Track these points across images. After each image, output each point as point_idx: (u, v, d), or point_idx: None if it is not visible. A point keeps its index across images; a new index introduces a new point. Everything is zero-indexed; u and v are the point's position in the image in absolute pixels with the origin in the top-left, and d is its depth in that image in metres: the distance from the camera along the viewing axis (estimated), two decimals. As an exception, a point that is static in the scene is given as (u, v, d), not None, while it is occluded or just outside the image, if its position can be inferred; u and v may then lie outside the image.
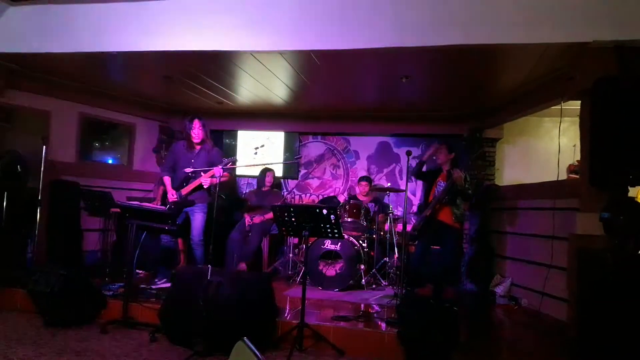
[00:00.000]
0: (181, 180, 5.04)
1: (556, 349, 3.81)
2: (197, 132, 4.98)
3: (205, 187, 4.95)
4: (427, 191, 5.32)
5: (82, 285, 4.30)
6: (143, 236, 5.73)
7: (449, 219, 5.05)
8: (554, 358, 3.69)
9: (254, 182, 7.36)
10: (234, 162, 4.90)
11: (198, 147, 5.06)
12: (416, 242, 5.53)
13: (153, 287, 5.03)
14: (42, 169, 5.47)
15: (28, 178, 5.55)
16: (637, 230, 3.43)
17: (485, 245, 6.31)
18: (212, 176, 4.86)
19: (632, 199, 3.81)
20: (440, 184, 5.12)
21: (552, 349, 3.84)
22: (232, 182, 7.90)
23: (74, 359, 3.35)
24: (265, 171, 6.69)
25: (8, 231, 5.32)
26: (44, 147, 5.50)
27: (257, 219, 6.23)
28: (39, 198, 5.49)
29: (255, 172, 7.13)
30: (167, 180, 5.11)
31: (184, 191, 4.97)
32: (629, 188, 3.77)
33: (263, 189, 6.67)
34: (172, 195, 4.98)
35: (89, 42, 4.73)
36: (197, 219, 5.01)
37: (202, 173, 4.92)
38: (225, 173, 4.89)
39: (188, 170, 4.95)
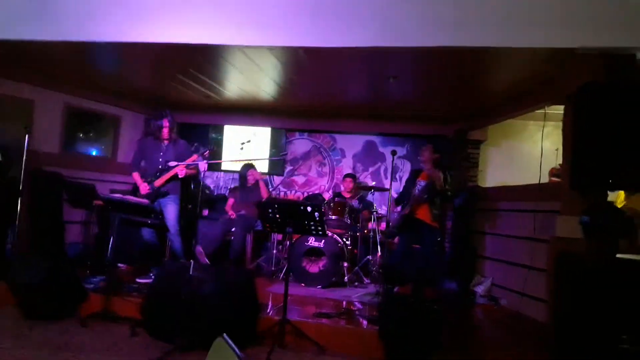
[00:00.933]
0: (153, 173, 5.06)
1: (534, 349, 3.87)
2: (166, 130, 5.07)
3: (180, 176, 4.98)
4: (407, 189, 5.36)
5: (62, 277, 4.25)
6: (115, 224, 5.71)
7: (427, 217, 5.08)
8: (531, 358, 3.74)
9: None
10: (211, 151, 4.95)
11: (166, 141, 5.13)
12: (396, 238, 5.57)
13: (146, 280, 4.99)
14: (24, 158, 5.39)
15: (9, 168, 5.48)
16: (615, 234, 3.50)
17: (467, 245, 6.37)
18: (187, 167, 4.96)
19: (612, 203, 3.89)
20: (420, 183, 5.13)
21: (530, 349, 3.90)
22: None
23: (54, 352, 3.33)
24: (248, 168, 6.57)
25: (-13, 221, 5.25)
26: (27, 136, 5.42)
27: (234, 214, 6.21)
28: (21, 188, 5.42)
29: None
30: (136, 175, 5.15)
31: (157, 183, 4.99)
32: (609, 192, 3.84)
33: (247, 185, 6.62)
34: (144, 188, 4.99)
35: (75, 31, 4.65)
36: (170, 210, 5.03)
37: (176, 164, 4.95)
38: (192, 168, 5.05)
39: (172, 164, 4.94)
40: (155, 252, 5.31)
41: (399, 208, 5.47)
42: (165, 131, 5.06)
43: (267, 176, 8.01)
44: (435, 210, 5.10)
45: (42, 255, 4.63)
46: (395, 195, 5.74)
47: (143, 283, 4.89)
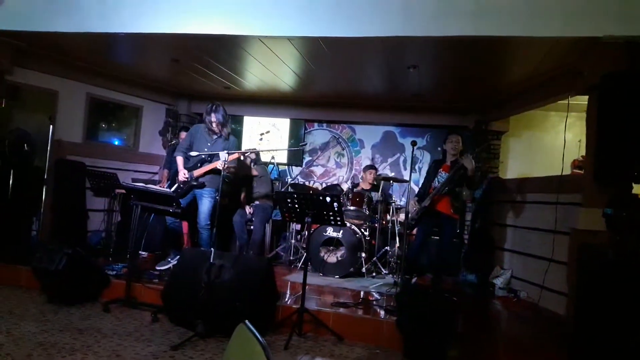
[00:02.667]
0: (196, 162, 4.98)
1: (553, 342, 3.84)
2: (215, 125, 4.93)
3: (219, 167, 4.72)
4: (428, 181, 5.22)
5: (85, 263, 4.35)
6: (151, 218, 5.76)
7: (447, 209, 4.97)
8: (550, 351, 3.71)
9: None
10: (255, 152, 4.82)
11: (216, 134, 5.00)
12: (414, 230, 5.50)
13: (165, 266, 5.09)
14: (48, 148, 5.51)
15: (34, 157, 5.60)
16: (639, 227, 3.43)
17: (486, 236, 6.32)
18: (230, 162, 4.78)
19: (636, 195, 3.81)
20: (442, 175, 5.03)
21: (549, 342, 3.87)
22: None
23: (76, 336, 3.40)
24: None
25: (14, 209, 5.37)
26: (51, 126, 5.53)
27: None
28: (45, 177, 5.54)
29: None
30: (180, 160, 5.02)
31: (197, 173, 4.90)
32: (634, 185, 3.77)
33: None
34: (183, 175, 4.91)
35: (97, 23, 4.71)
36: (205, 204, 4.95)
37: (219, 156, 4.72)
38: (233, 166, 4.99)
39: (207, 153, 4.89)
40: (178, 238, 5.35)
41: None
42: (214, 126, 4.93)
43: (286, 167, 8.03)
44: (456, 203, 4.99)
45: (65, 242, 4.72)
46: (415, 189, 5.67)
47: (164, 270, 4.98)
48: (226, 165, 4.68)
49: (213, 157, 4.89)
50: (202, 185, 4.95)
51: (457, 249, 6.41)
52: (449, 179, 4.90)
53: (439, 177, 5.06)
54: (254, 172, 6.23)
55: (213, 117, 4.90)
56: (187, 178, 4.90)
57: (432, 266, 5.50)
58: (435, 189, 4.98)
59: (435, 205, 4.99)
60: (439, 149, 5.38)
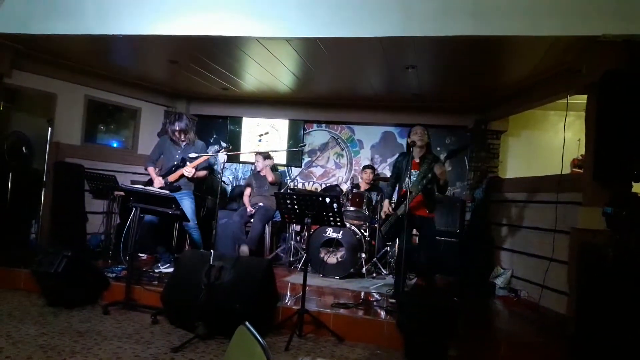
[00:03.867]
0: (169, 169, 5.18)
1: (554, 341, 3.83)
2: (177, 134, 5.16)
3: (186, 175, 5.07)
4: (398, 178, 4.76)
5: (85, 266, 4.34)
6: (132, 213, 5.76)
7: (424, 212, 4.60)
8: (551, 351, 3.70)
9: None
10: (228, 149, 4.95)
11: (183, 142, 5.24)
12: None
13: (156, 270, 5.09)
14: (47, 150, 5.50)
15: (33, 160, 5.59)
16: (639, 226, 3.43)
17: (486, 236, 6.31)
18: (195, 168, 5.06)
19: (636, 194, 3.81)
20: (412, 174, 4.55)
21: (550, 341, 3.86)
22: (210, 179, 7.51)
23: (76, 338, 3.39)
24: (255, 155, 6.65)
25: (13, 211, 5.36)
26: (49, 129, 5.52)
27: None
28: (44, 179, 5.52)
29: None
30: (151, 170, 5.29)
31: (171, 178, 5.11)
32: (633, 183, 3.77)
33: (259, 173, 6.63)
34: (158, 182, 5.11)
35: (95, 25, 4.71)
36: (186, 204, 5.08)
37: (188, 162, 5.07)
38: (203, 172, 5.19)
39: (193, 155, 5.03)
40: (160, 233, 5.40)
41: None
42: (178, 135, 5.16)
43: (285, 167, 8.03)
44: (430, 202, 4.59)
45: (64, 245, 4.72)
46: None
47: (164, 272, 4.99)
48: (195, 174, 5.05)
49: (184, 162, 5.10)
50: (178, 189, 5.11)
51: (457, 249, 6.39)
52: (420, 178, 4.49)
53: (410, 177, 4.56)
54: (272, 178, 6.30)
55: (176, 126, 5.12)
56: (162, 184, 5.09)
57: (425, 267, 5.33)
58: (409, 193, 4.40)
59: (412, 211, 4.51)
60: (438, 148, 5.33)
